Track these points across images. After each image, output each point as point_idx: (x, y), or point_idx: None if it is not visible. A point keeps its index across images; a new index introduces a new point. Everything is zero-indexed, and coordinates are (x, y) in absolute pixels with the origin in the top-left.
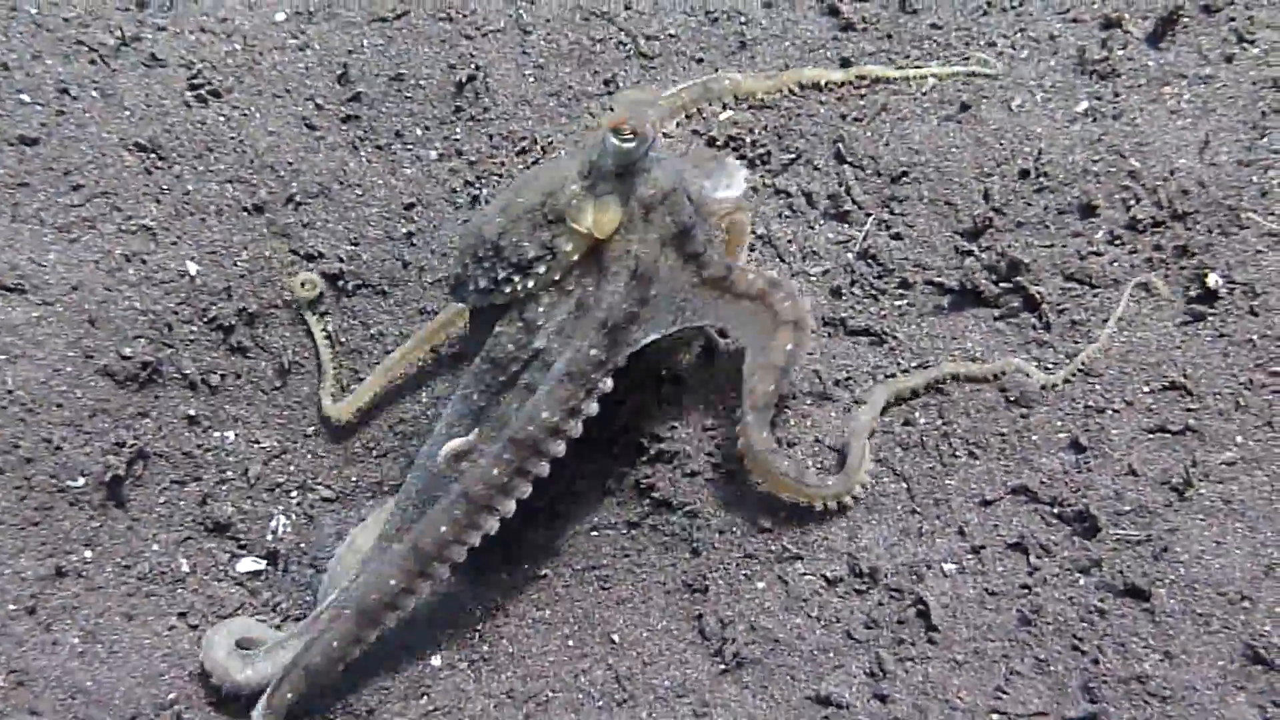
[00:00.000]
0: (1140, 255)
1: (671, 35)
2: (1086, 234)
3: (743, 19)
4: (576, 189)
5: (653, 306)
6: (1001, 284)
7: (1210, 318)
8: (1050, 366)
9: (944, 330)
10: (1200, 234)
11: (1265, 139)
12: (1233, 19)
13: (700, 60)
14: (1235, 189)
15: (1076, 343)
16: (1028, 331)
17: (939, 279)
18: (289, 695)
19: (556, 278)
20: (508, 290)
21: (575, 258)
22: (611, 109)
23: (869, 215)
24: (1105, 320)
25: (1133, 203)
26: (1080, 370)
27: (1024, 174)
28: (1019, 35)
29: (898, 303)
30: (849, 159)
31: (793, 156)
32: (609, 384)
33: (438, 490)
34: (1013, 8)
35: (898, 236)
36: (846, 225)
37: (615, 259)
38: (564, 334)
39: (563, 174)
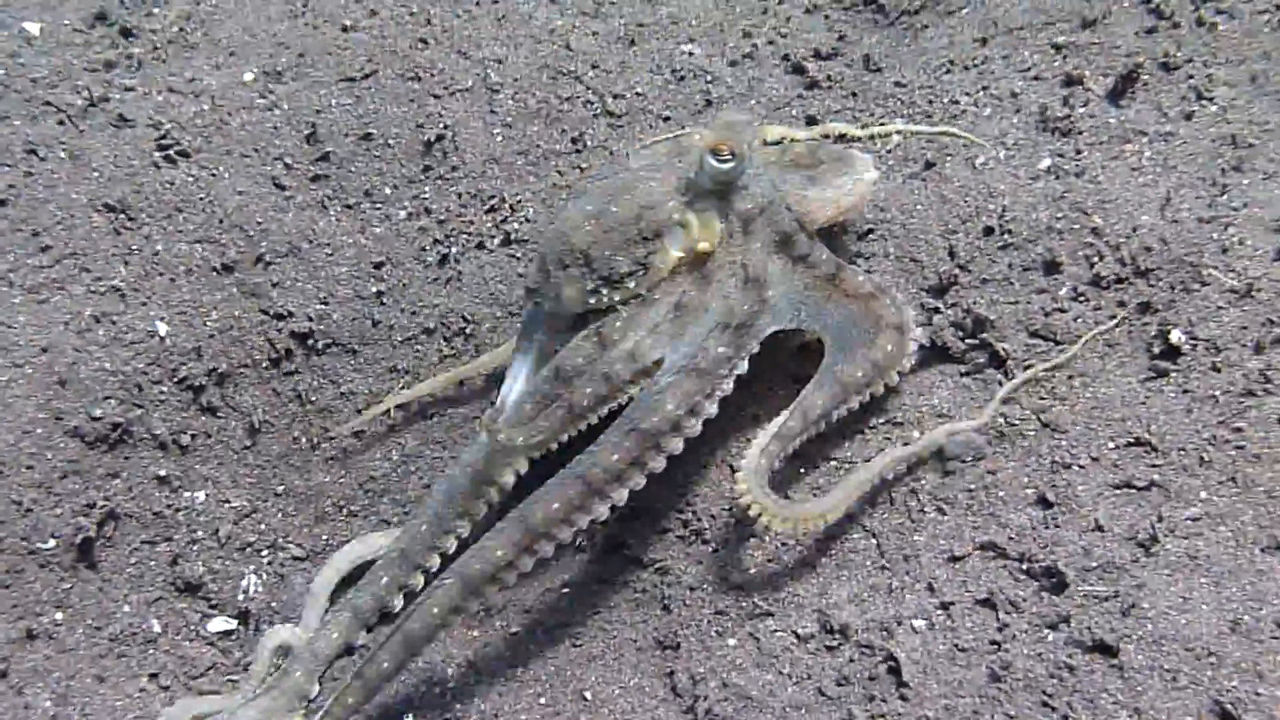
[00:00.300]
0: (1104, 312)
1: (639, 94)
2: (1051, 291)
3: (709, 77)
4: (675, 205)
5: (773, 306)
6: (967, 340)
7: (1174, 374)
8: (1016, 422)
9: (911, 387)
10: (1163, 290)
11: (1225, 196)
12: (1191, 76)
13: (667, 118)
14: (1196, 246)
15: (1042, 399)
16: (994, 388)
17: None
18: (385, 664)
19: (643, 292)
20: (592, 301)
21: (666, 274)
22: (708, 130)
23: None
24: (1070, 377)
25: (1096, 259)
26: (1046, 426)
27: (988, 231)
28: (981, 93)
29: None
30: None
31: None
32: (729, 386)
33: (454, 502)
34: (975, 66)
35: None
36: None
37: (720, 268)
38: (660, 331)
39: (659, 189)
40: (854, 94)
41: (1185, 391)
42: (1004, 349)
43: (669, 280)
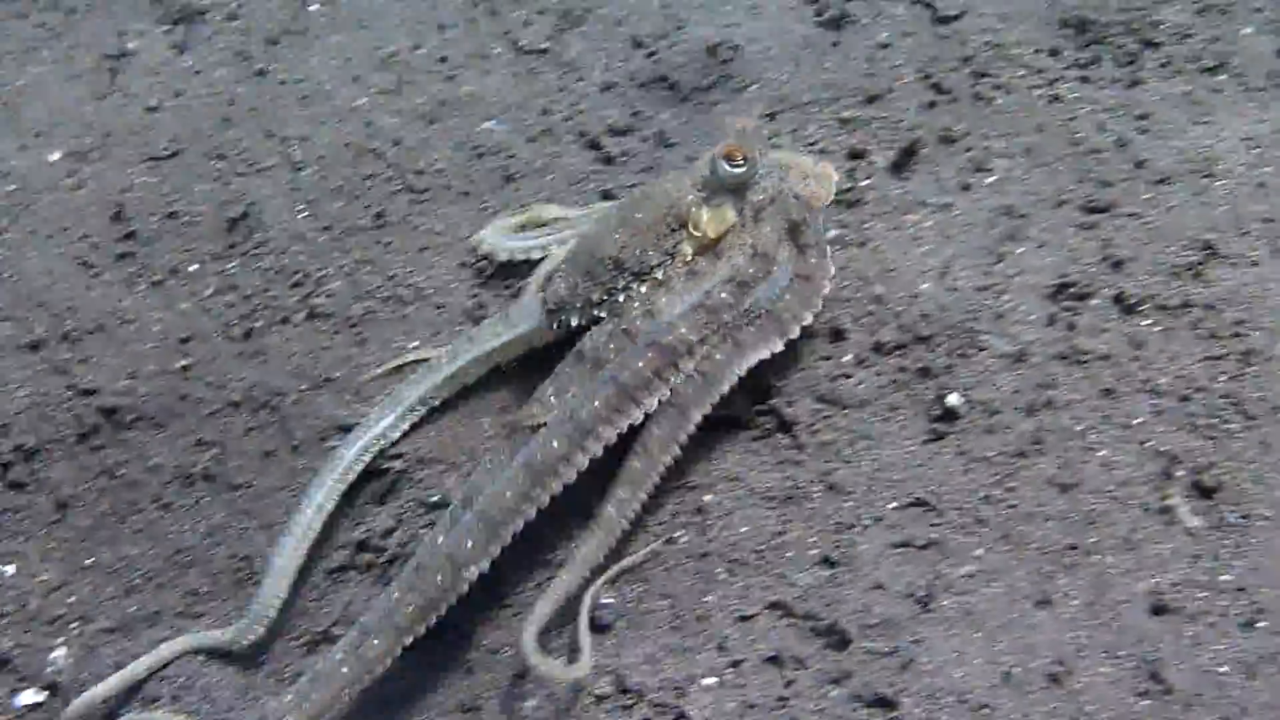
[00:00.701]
0: (886, 377)
1: (439, 170)
2: (836, 357)
3: (508, 153)
4: (694, 198)
5: (773, 279)
6: (757, 406)
7: (951, 436)
8: (803, 485)
9: (703, 453)
10: (941, 356)
11: (1000, 264)
12: (969, 149)
13: (467, 194)
14: (973, 312)
15: (828, 462)
16: (781, 451)
17: None
18: (470, 545)
19: (667, 277)
20: (620, 300)
21: (689, 258)
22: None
23: None
24: (854, 441)
25: (878, 327)
26: (831, 488)
27: None
28: None
29: None
30: None
31: None
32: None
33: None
34: (766, 140)
35: None
36: None
37: (731, 248)
38: (674, 291)
39: (680, 188)
40: (649, 168)
41: (962, 453)
42: (791, 414)
43: (689, 262)
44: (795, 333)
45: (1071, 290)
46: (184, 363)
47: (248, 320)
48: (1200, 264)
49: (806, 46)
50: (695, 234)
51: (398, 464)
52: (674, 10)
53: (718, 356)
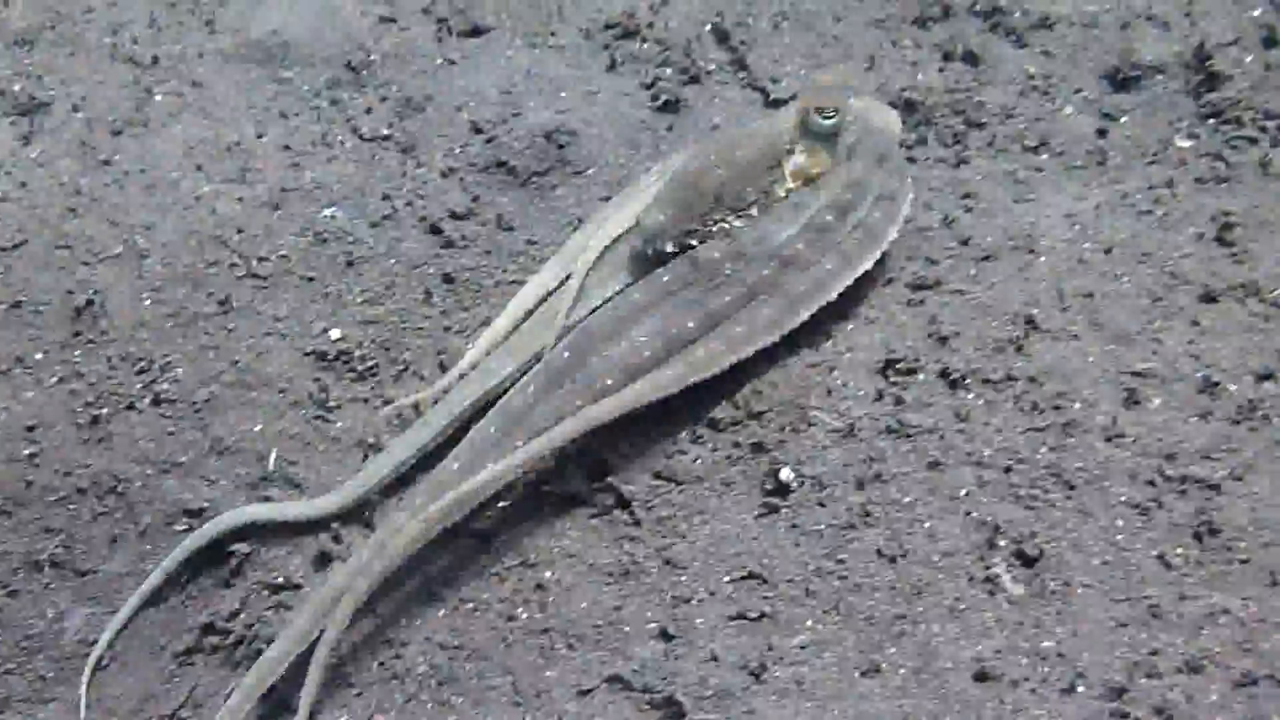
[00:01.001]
0: (720, 453)
1: (283, 256)
2: (672, 434)
3: (350, 239)
4: (789, 140)
5: (866, 203)
6: (594, 483)
7: (784, 509)
8: (640, 560)
9: (543, 530)
10: (774, 431)
11: (830, 341)
12: None
13: (310, 280)
14: (804, 388)
15: (665, 538)
16: (620, 527)
17: (535, 480)
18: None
19: (768, 206)
20: (714, 230)
21: (784, 196)
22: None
23: None
24: (689, 516)
25: (713, 403)
26: (668, 563)
27: None
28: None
29: (501, 504)
30: (450, 368)
31: (400, 368)
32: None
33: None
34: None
35: None
36: None
37: (827, 181)
38: (782, 220)
39: (779, 131)
40: (488, 252)
41: (794, 526)
42: (629, 491)
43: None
44: (887, 244)
45: (899, 366)
46: (30, 450)
47: (93, 407)
48: (1022, 338)
49: (643, 130)
50: (791, 174)
51: (243, 546)
52: (513, 97)
53: (828, 266)
